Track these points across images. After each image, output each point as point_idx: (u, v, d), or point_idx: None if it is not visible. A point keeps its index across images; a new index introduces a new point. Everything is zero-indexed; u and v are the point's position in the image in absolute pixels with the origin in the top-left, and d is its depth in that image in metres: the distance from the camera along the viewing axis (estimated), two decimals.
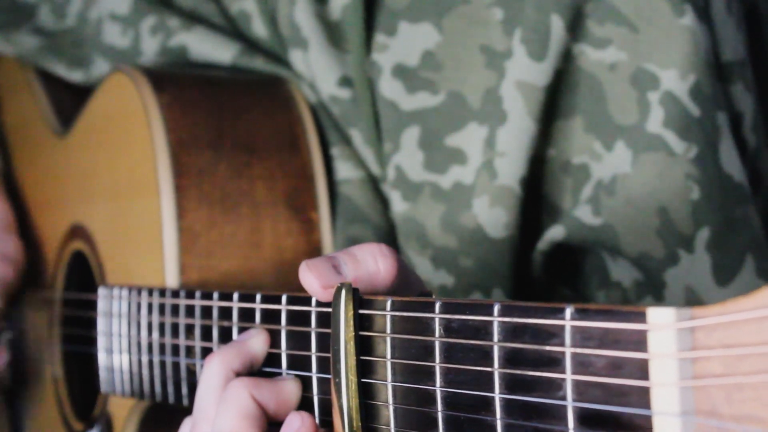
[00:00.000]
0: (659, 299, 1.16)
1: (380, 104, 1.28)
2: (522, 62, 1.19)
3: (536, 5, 1.18)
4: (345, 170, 1.33)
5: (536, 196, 1.23)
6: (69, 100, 1.59)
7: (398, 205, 1.27)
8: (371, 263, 0.95)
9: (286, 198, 1.30)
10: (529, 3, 1.18)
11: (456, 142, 1.23)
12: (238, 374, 1.00)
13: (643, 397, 0.68)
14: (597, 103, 1.18)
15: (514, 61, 1.19)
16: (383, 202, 1.31)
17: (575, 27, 1.17)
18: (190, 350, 1.16)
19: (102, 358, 1.34)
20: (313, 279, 0.94)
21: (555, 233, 1.20)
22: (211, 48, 1.42)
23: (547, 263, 1.24)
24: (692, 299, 1.14)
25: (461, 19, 1.23)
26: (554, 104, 1.20)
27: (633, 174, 1.15)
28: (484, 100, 1.21)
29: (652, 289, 1.16)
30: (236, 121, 1.32)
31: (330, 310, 0.93)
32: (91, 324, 1.39)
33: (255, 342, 1.02)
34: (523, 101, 1.19)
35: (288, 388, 0.98)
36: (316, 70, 1.33)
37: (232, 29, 1.44)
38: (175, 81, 1.34)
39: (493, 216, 1.22)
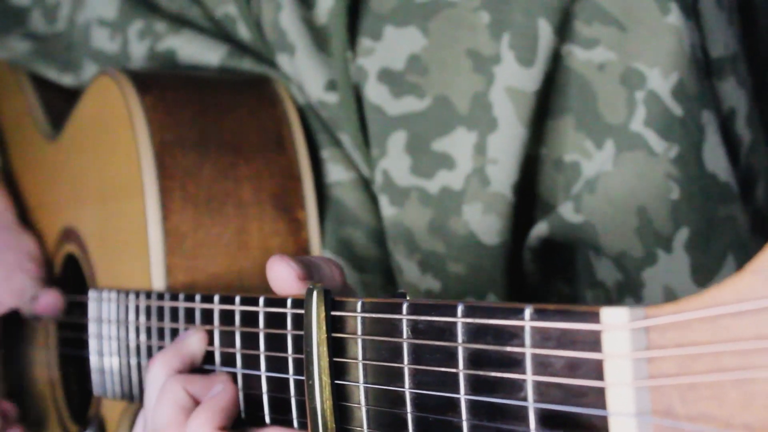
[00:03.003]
0: (638, 300, 1.15)
1: (366, 109, 1.27)
2: (511, 68, 1.17)
3: (523, 9, 1.16)
4: (335, 173, 1.32)
5: (530, 195, 1.22)
6: (60, 103, 1.59)
7: (386, 209, 1.27)
8: (327, 270, 0.97)
9: (273, 198, 1.29)
10: (516, 7, 1.17)
11: (443, 146, 1.22)
12: (180, 372, 1.07)
13: (599, 397, 0.68)
14: (587, 102, 1.17)
15: (503, 66, 1.18)
16: (375, 204, 1.31)
17: (563, 28, 1.16)
18: None
19: (94, 360, 1.34)
20: (289, 270, 0.95)
21: (539, 229, 1.20)
22: (199, 51, 1.41)
23: (542, 259, 1.23)
24: (671, 299, 1.13)
25: (447, 23, 1.22)
26: (545, 106, 1.19)
27: (613, 172, 1.15)
28: (472, 105, 1.20)
29: (632, 289, 1.16)
30: (221, 122, 1.31)
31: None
32: (84, 327, 1.39)
33: (191, 341, 1.09)
34: (514, 108, 1.18)
35: (221, 379, 1.05)
36: (304, 75, 1.32)
37: (219, 32, 1.44)
38: (159, 82, 1.34)
39: (486, 223, 1.21)
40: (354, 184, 1.31)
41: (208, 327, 1.09)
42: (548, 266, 1.24)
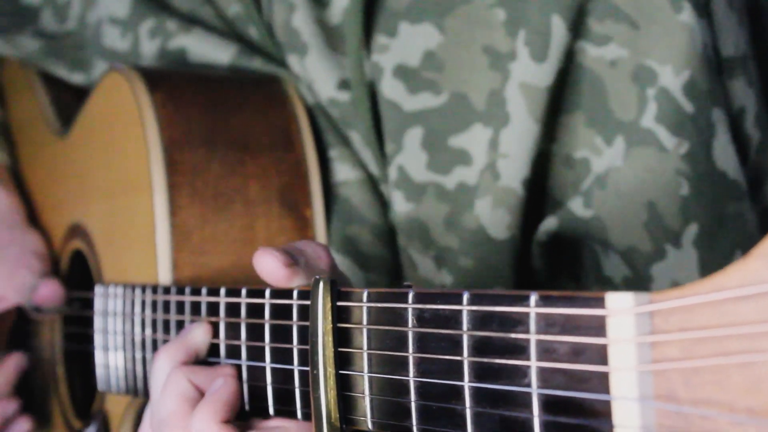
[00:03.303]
0: None
1: (382, 105, 1.28)
2: (525, 64, 1.18)
3: (538, 6, 1.17)
4: (343, 172, 1.33)
5: (539, 190, 1.23)
6: (70, 100, 1.59)
7: (401, 205, 1.27)
8: (311, 252, 1.00)
9: (280, 195, 1.30)
10: (531, 4, 1.18)
11: (460, 142, 1.23)
12: (184, 364, 1.08)
13: (602, 382, 0.68)
14: (598, 99, 1.18)
15: (518, 63, 1.19)
16: (382, 203, 1.31)
17: (576, 25, 1.17)
18: None
19: (99, 356, 1.34)
20: (274, 260, 0.97)
21: (549, 224, 1.21)
22: (209, 49, 1.42)
23: (550, 255, 1.23)
24: None
25: (463, 19, 1.23)
26: (557, 102, 1.19)
27: (624, 168, 1.15)
28: (488, 101, 1.21)
29: (640, 284, 1.16)
30: (230, 119, 1.32)
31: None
32: (89, 322, 1.39)
33: (196, 334, 1.10)
34: (526, 103, 1.18)
35: (222, 372, 1.05)
36: (315, 74, 1.33)
37: (231, 31, 1.44)
38: (169, 79, 1.35)
39: (495, 217, 1.22)
40: (361, 184, 1.32)
41: (213, 319, 1.10)
42: (555, 262, 1.24)
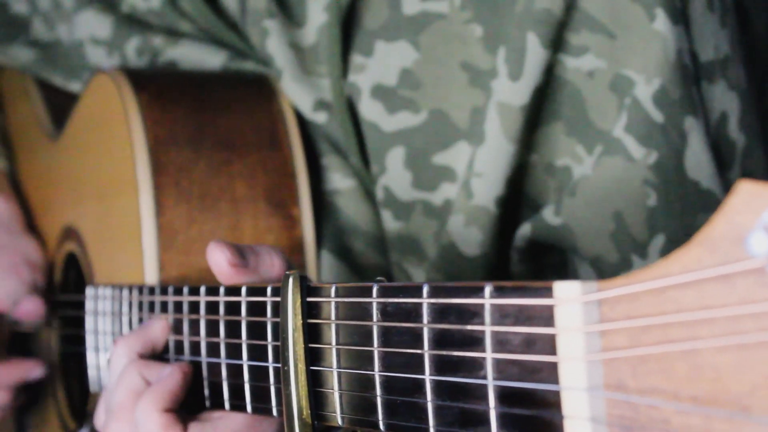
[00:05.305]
0: None
1: (362, 126, 1.28)
2: (504, 83, 1.17)
3: (516, 23, 1.15)
4: (335, 180, 1.32)
5: (519, 201, 1.22)
6: (66, 103, 1.60)
7: (390, 223, 1.27)
8: (268, 260, 1.02)
9: (267, 194, 1.30)
10: (509, 20, 1.16)
11: (444, 160, 1.22)
12: (141, 356, 1.11)
13: (552, 372, 0.68)
14: (577, 109, 1.16)
15: (499, 81, 1.17)
16: (375, 211, 1.31)
17: (553, 40, 1.15)
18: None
19: (91, 357, 1.35)
20: (222, 255, 1.01)
21: (524, 230, 1.20)
22: (200, 57, 1.42)
23: (535, 258, 1.23)
24: None
25: (438, 36, 1.21)
26: (534, 116, 1.18)
27: (593, 177, 1.14)
28: (472, 119, 1.20)
29: None
30: (217, 119, 1.32)
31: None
32: (82, 324, 1.40)
33: (154, 329, 1.13)
34: (500, 122, 1.17)
35: (173, 365, 1.07)
36: (292, 97, 1.33)
37: (216, 39, 1.44)
38: (155, 80, 1.35)
39: (467, 235, 1.21)
40: (352, 193, 1.31)
41: (193, 316, 1.10)
42: (542, 265, 1.23)
